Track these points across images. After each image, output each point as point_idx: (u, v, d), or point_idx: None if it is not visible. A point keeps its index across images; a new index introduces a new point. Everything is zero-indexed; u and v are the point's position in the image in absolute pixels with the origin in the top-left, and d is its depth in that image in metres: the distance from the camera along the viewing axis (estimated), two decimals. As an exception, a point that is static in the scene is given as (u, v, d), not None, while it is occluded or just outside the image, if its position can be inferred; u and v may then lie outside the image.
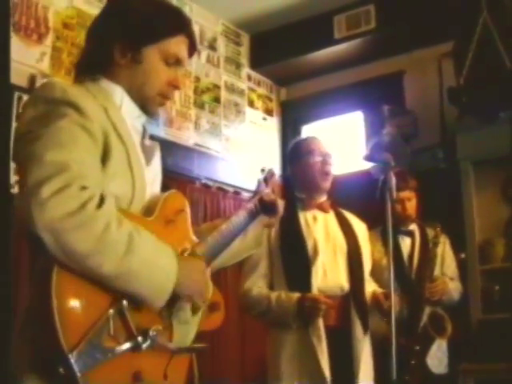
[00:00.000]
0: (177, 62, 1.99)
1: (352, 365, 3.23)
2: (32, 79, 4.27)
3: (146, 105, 1.99)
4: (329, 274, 3.31)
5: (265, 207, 2.29)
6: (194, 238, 2.03)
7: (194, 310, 1.91)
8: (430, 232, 4.21)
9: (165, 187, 2.08)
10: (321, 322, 3.20)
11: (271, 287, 3.35)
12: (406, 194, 4.15)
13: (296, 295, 3.22)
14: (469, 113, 5.04)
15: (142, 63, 1.94)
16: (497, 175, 5.06)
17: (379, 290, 3.52)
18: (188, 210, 2.03)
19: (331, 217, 3.50)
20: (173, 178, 5.19)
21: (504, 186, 5.05)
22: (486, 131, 4.94)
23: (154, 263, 1.69)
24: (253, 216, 2.24)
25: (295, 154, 3.55)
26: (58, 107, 1.72)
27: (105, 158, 1.78)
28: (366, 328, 3.29)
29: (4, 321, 3.35)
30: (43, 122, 1.69)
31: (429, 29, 5.45)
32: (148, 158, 1.97)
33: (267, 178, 2.36)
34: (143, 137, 2.02)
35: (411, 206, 4.22)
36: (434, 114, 5.57)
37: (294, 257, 3.32)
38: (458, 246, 4.44)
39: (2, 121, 3.98)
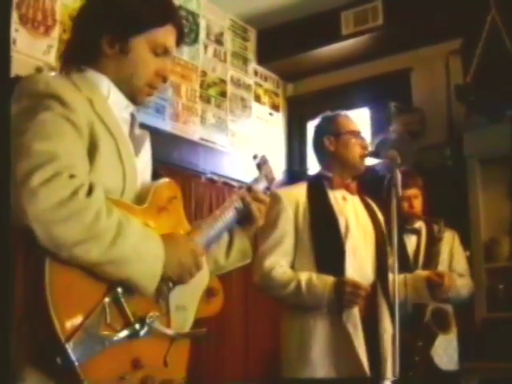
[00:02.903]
0: (165, 52, 1.98)
1: (381, 356, 3.06)
2: (39, 71, 4.26)
3: (135, 95, 1.98)
4: (358, 258, 3.15)
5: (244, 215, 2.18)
6: (188, 224, 2.01)
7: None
8: (446, 232, 4.20)
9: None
10: (356, 309, 3.04)
11: (292, 267, 3.15)
12: (412, 191, 4.15)
13: (331, 279, 3.02)
14: (476, 111, 5.03)
15: (130, 54, 1.92)
16: (503, 173, 5.05)
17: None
18: (180, 196, 1.99)
19: (357, 200, 3.35)
20: (178, 172, 5.18)
21: (510, 185, 5.03)
22: (493, 129, 4.93)
23: (141, 248, 1.69)
24: (244, 204, 2.14)
25: (332, 129, 3.34)
26: (41, 100, 1.70)
27: (92, 150, 1.76)
28: (393, 319, 3.17)
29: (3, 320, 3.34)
30: (27, 116, 1.68)
31: (436, 26, 5.43)
32: (137, 148, 1.96)
33: (260, 165, 2.33)
34: (132, 126, 2.01)
35: (417, 203, 4.22)
36: (441, 111, 5.55)
37: (325, 236, 3.13)
38: (463, 244, 4.43)
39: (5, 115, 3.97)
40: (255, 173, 2.31)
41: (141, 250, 1.69)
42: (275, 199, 3.16)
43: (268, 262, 3.10)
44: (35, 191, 1.54)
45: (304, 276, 3.06)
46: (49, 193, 1.55)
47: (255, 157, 2.35)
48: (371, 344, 3.05)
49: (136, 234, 1.69)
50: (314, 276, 3.06)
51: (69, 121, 1.71)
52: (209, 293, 1.99)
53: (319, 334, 3.04)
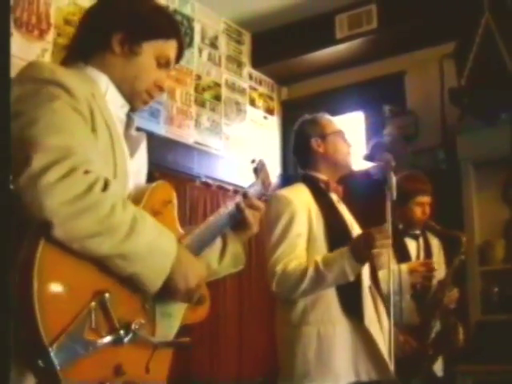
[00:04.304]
0: (166, 64, 2.02)
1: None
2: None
3: (133, 99, 1.99)
4: None
5: (239, 220, 2.17)
6: (181, 229, 2.01)
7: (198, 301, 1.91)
8: (435, 241, 4.22)
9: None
10: (374, 312, 3.04)
11: None
12: (428, 198, 4.12)
13: (343, 247, 2.95)
14: (470, 114, 5.04)
15: (139, 56, 1.95)
16: (497, 176, 5.06)
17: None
18: (175, 201, 1.99)
19: (343, 204, 3.35)
20: (173, 176, 5.19)
21: (504, 188, 5.05)
22: (487, 132, 4.95)
23: (155, 245, 1.70)
24: (239, 210, 2.14)
25: (318, 131, 3.32)
26: (46, 87, 1.70)
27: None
28: (389, 318, 3.15)
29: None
30: (33, 101, 1.68)
31: (430, 29, 5.44)
32: (132, 149, 1.97)
33: (257, 169, 2.33)
34: (128, 126, 2.02)
35: (429, 210, 4.20)
36: (435, 114, 5.56)
37: (341, 241, 3.04)
38: (457, 247, 4.43)
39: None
40: (250, 176, 2.30)
41: (153, 248, 1.70)
42: (285, 202, 3.11)
43: (280, 265, 3.00)
44: (52, 187, 1.55)
45: (318, 257, 2.98)
46: (66, 188, 1.57)
47: (253, 161, 2.34)
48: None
49: (150, 231, 1.70)
50: (327, 253, 3.00)
51: (76, 110, 1.72)
52: (196, 300, 1.98)
53: (340, 339, 2.97)
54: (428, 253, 4.14)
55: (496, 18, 4.68)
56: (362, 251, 2.91)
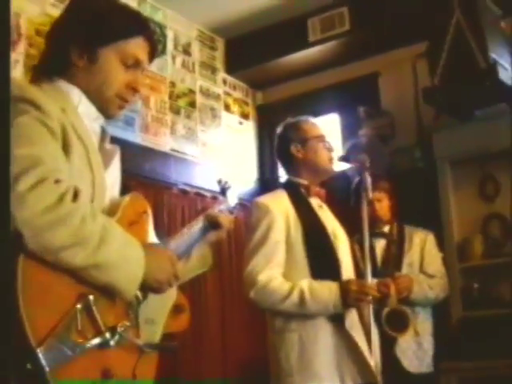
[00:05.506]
0: (135, 65, 1.99)
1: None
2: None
3: (105, 106, 1.98)
4: (346, 265, 3.16)
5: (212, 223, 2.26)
6: (156, 240, 2.06)
7: None
8: (419, 234, 4.25)
9: (143, 194, 2.10)
10: (356, 315, 3.05)
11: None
12: (375, 194, 4.16)
13: (333, 282, 2.99)
14: (444, 112, 5.07)
15: (98, 64, 1.93)
16: (474, 173, 5.10)
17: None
18: (150, 212, 2.03)
19: (327, 207, 3.35)
20: (150, 184, 5.18)
21: (481, 184, 5.08)
22: (463, 130, 4.99)
23: (125, 252, 1.71)
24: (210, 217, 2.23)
25: (298, 136, 3.33)
26: (16, 104, 1.69)
27: (64, 155, 1.77)
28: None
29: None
30: None
31: (402, 30, 5.46)
32: (107, 162, 1.97)
33: (224, 190, 2.39)
34: (102, 139, 2.01)
35: (382, 206, 4.26)
36: (411, 114, 5.59)
37: (320, 246, 3.11)
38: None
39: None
40: (228, 182, 2.43)
41: (124, 255, 1.71)
42: (264, 209, 3.14)
43: (263, 276, 3.03)
44: (23, 197, 1.55)
45: (305, 283, 3.01)
46: (36, 198, 1.56)
47: (219, 182, 2.43)
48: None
49: (120, 239, 1.71)
50: (315, 282, 3.02)
51: (45, 125, 1.72)
52: (176, 309, 2.03)
53: (322, 344, 2.98)
54: (400, 250, 4.17)
55: (466, 17, 4.70)
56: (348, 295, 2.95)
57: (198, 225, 2.17)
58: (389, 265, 4.15)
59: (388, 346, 3.82)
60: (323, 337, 3.00)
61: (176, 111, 5.77)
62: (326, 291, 2.97)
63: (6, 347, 1.34)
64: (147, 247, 1.82)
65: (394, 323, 3.81)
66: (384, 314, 3.81)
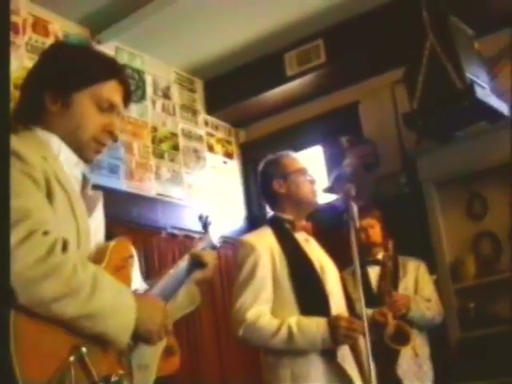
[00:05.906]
0: (110, 108, 1.99)
1: None
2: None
3: (82, 150, 1.98)
4: (336, 298, 3.15)
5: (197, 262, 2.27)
6: (141, 282, 2.08)
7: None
8: (411, 263, 4.25)
9: (131, 239, 2.11)
10: (348, 349, 3.03)
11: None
12: (368, 221, 4.17)
13: (321, 318, 2.97)
14: (426, 135, 5.10)
15: (72, 108, 1.94)
16: (460, 193, 5.10)
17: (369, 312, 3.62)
18: (135, 255, 2.04)
19: (314, 240, 3.34)
20: (139, 230, 5.16)
21: (468, 203, 5.08)
22: (445, 151, 5.01)
23: (116, 301, 1.71)
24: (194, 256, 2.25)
25: (279, 172, 3.33)
26: None
27: (49, 203, 1.77)
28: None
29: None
30: None
31: (379, 57, 5.51)
32: (90, 208, 1.97)
33: (206, 225, 2.39)
34: (84, 186, 2.01)
35: (375, 232, 4.26)
36: (393, 140, 5.59)
37: (307, 281, 3.10)
38: (429, 269, 4.45)
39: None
40: (216, 222, 2.44)
41: (116, 304, 1.70)
42: (249, 248, 3.15)
43: (251, 313, 3.03)
44: (13, 251, 1.53)
45: (293, 320, 3.00)
46: (26, 251, 1.56)
47: (200, 217, 2.43)
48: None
49: (111, 287, 1.71)
50: (303, 318, 3.01)
51: (29, 176, 1.72)
52: (167, 351, 2.02)
53: (315, 379, 2.96)
54: (395, 277, 4.17)
55: (440, 39, 4.75)
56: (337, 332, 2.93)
57: (183, 264, 2.18)
58: (384, 292, 4.13)
59: (390, 367, 3.81)
60: (315, 372, 2.98)
61: (159, 155, 5.77)
62: (314, 326, 2.96)
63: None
64: (139, 296, 1.83)
65: (395, 339, 3.82)
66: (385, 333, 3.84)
